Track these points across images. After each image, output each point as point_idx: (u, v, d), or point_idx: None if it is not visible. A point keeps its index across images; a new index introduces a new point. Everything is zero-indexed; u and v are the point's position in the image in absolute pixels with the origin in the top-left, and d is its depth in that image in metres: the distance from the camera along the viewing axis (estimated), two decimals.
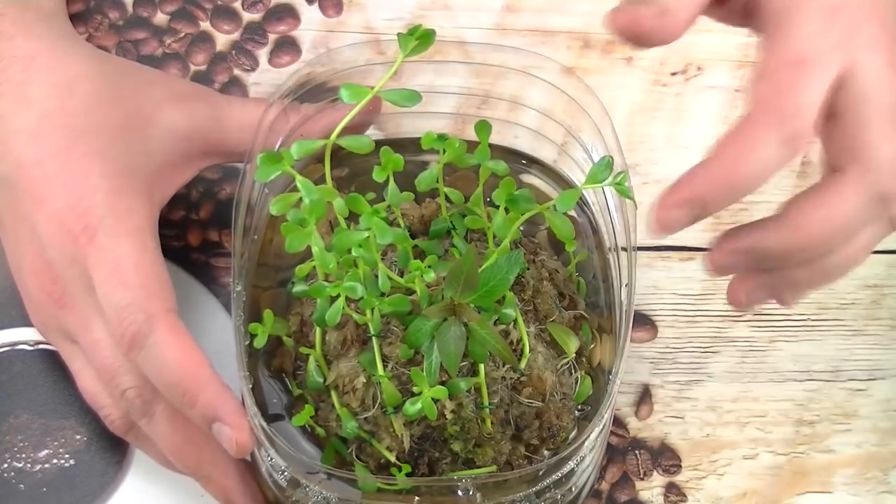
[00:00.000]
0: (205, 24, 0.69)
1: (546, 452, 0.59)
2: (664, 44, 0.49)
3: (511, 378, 0.58)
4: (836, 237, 0.49)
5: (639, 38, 0.49)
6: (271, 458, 0.55)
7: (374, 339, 0.56)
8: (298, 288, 0.58)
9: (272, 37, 0.69)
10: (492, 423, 0.57)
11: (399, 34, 0.55)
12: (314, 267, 0.56)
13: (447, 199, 0.60)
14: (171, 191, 0.60)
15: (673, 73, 0.72)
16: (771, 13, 0.49)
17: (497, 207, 0.58)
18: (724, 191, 0.48)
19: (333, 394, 0.57)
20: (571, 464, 0.56)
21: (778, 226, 0.49)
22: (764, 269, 0.52)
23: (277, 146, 0.60)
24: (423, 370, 0.55)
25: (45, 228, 0.56)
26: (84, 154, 0.56)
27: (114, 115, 0.58)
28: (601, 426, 0.56)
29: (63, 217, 0.55)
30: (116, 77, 0.60)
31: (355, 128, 0.60)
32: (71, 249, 0.55)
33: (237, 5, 0.70)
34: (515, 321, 0.57)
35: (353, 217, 0.56)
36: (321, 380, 0.58)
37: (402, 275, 0.58)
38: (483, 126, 0.57)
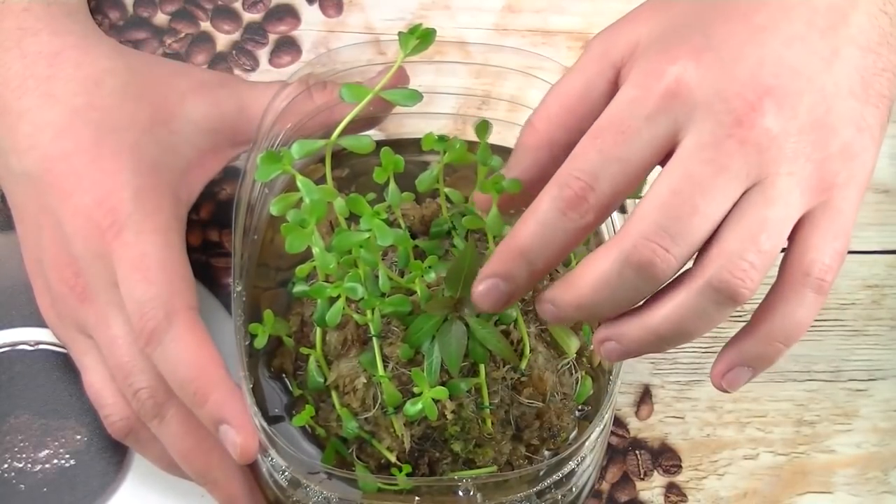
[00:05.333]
0: (205, 25, 0.69)
1: (546, 453, 0.59)
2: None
3: (511, 378, 0.58)
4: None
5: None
6: (272, 458, 0.55)
7: (374, 339, 0.56)
8: (299, 288, 0.58)
9: (272, 37, 0.69)
10: (492, 423, 0.57)
11: (400, 33, 0.55)
12: (314, 267, 0.56)
13: (447, 199, 0.60)
14: (198, 187, 0.60)
15: None
16: None
17: None
18: (517, 258, 0.49)
19: (334, 394, 0.57)
20: (572, 464, 0.56)
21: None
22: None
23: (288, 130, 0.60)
24: (423, 370, 0.55)
25: (70, 222, 0.56)
26: (113, 151, 0.57)
27: (141, 110, 0.58)
28: (602, 426, 0.56)
29: (90, 212, 0.55)
30: (141, 71, 0.60)
31: (365, 122, 0.60)
32: (97, 244, 0.55)
33: (237, 5, 0.69)
34: (516, 321, 0.57)
35: (353, 217, 0.55)
36: (321, 380, 0.58)
37: (402, 275, 0.58)
38: (483, 126, 0.57)
